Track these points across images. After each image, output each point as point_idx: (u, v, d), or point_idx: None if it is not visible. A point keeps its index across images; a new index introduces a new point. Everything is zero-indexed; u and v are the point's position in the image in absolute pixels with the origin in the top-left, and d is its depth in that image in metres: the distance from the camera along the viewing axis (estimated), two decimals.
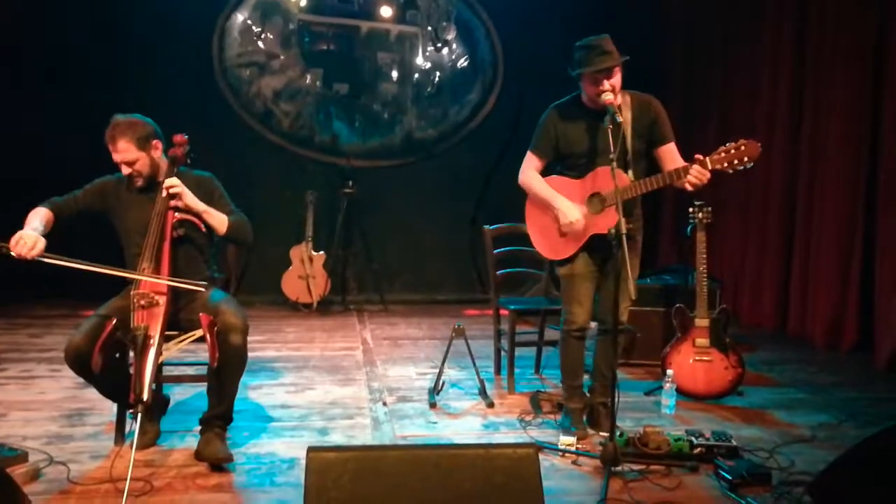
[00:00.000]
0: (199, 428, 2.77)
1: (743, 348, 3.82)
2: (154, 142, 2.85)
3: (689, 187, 2.79)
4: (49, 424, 3.11)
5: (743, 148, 2.71)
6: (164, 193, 2.76)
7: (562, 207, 2.94)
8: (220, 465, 2.67)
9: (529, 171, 3.08)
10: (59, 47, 5.73)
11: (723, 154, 2.74)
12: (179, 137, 2.94)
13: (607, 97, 2.79)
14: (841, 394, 3.82)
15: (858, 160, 4.65)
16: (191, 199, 2.78)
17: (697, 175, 2.75)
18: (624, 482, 2.60)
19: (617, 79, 2.84)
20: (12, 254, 2.56)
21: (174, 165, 2.90)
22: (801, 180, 5.07)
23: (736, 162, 2.72)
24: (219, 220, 2.83)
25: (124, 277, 2.73)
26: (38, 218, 2.73)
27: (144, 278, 2.64)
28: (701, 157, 2.76)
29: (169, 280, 2.66)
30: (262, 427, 3.16)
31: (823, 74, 4.86)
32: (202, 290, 2.68)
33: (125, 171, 2.81)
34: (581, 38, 2.88)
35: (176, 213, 2.77)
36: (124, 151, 2.77)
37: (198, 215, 2.80)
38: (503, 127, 6.57)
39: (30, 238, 2.59)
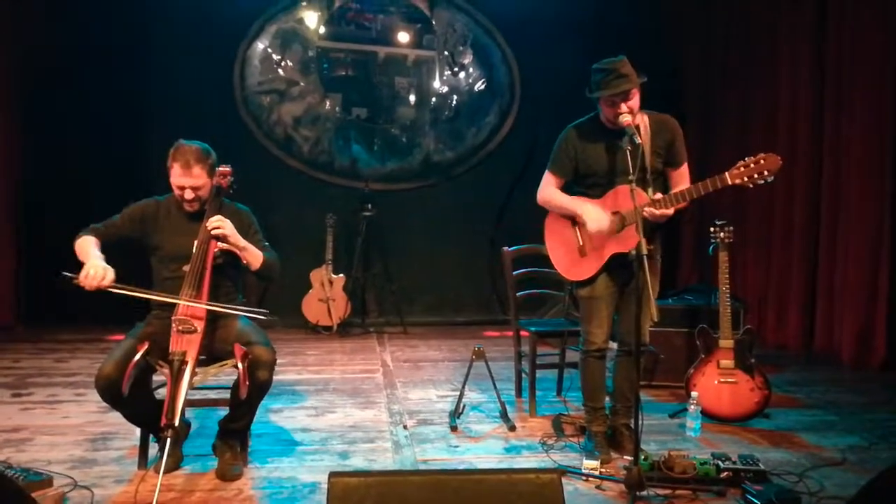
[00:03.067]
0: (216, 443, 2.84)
1: (768, 369, 3.76)
2: (217, 170, 2.91)
3: (651, 218, 2.80)
4: (74, 449, 3.14)
5: (763, 161, 2.70)
6: (211, 228, 2.77)
7: (586, 212, 2.93)
8: (232, 480, 2.76)
9: (548, 188, 3.08)
10: (80, 75, 5.86)
11: (742, 168, 2.73)
12: (225, 168, 2.99)
13: (625, 119, 2.80)
14: (871, 415, 3.74)
15: (882, 173, 4.61)
16: (233, 238, 2.81)
17: (650, 212, 2.75)
18: None
19: (635, 101, 2.84)
20: (81, 286, 2.59)
21: (219, 195, 2.95)
22: (824, 196, 5.02)
23: (756, 176, 2.70)
24: (255, 257, 2.87)
25: (186, 304, 2.70)
26: (94, 247, 2.75)
27: (206, 306, 2.67)
28: (660, 196, 2.79)
29: (236, 309, 2.72)
30: (284, 450, 3.16)
31: (844, 90, 4.83)
32: (263, 317, 2.72)
33: (188, 195, 2.82)
34: (598, 60, 2.90)
35: (218, 243, 2.80)
36: (198, 177, 2.81)
37: (237, 251, 2.83)
38: (521, 148, 6.60)
39: (99, 270, 2.61)
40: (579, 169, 3.02)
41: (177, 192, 2.84)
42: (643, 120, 2.94)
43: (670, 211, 2.80)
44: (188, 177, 2.79)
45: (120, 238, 2.87)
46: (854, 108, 4.74)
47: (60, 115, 5.88)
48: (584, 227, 2.96)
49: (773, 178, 2.70)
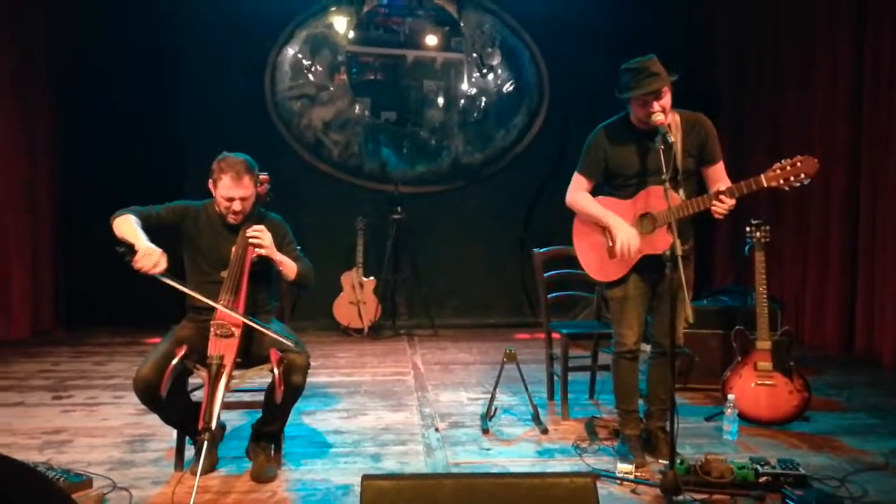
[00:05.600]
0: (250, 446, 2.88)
1: (807, 371, 3.67)
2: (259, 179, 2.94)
3: (716, 216, 2.77)
4: (112, 450, 3.20)
5: (799, 164, 2.65)
6: (250, 237, 2.78)
7: (617, 228, 2.90)
8: (266, 482, 2.79)
9: (578, 192, 3.05)
10: (115, 82, 5.98)
11: (778, 170, 2.68)
12: (263, 176, 3.01)
13: (658, 118, 2.76)
14: None
15: None
16: (269, 251, 2.80)
17: (718, 206, 2.74)
18: None
19: (667, 99, 2.80)
20: (134, 265, 2.55)
21: (257, 204, 2.98)
22: (863, 194, 4.89)
23: (792, 178, 2.66)
24: (290, 269, 2.89)
25: (215, 308, 2.72)
26: (141, 229, 2.66)
27: (243, 320, 2.68)
28: (723, 188, 2.76)
29: (267, 331, 2.71)
30: (317, 453, 3.18)
31: (884, 84, 4.70)
32: (290, 345, 2.71)
33: (237, 206, 2.82)
34: (626, 60, 2.86)
35: (256, 250, 2.81)
36: (247, 188, 2.83)
37: (274, 262, 2.85)
38: (550, 149, 6.56)
39: (155, 255, 2.56)
40: (609, 170, 2.99)
41: (224, 203, 2.84)
42: (675, 119, 2.90)
43: (732, 202, 2.75)
44: (239, 187, 2.80)
45: (159, 225, 2.84)
46: (894, 107, 4.61)
47: (96, 121, 6.02)
48: (614, 241, 2.93)
49: (809, 180, 2.66)
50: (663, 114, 2.77)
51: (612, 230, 2.92)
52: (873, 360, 4.75)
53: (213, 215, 2.94)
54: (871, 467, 2.95)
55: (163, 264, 2.58)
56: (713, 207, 2.77)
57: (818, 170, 2.67)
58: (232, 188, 2.81)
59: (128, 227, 2.69)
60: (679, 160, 2.83)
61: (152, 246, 2.61)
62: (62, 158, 5.99)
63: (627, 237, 2.87)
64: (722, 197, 2.75)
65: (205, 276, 2.89)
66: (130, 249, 2.58)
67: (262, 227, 2.85)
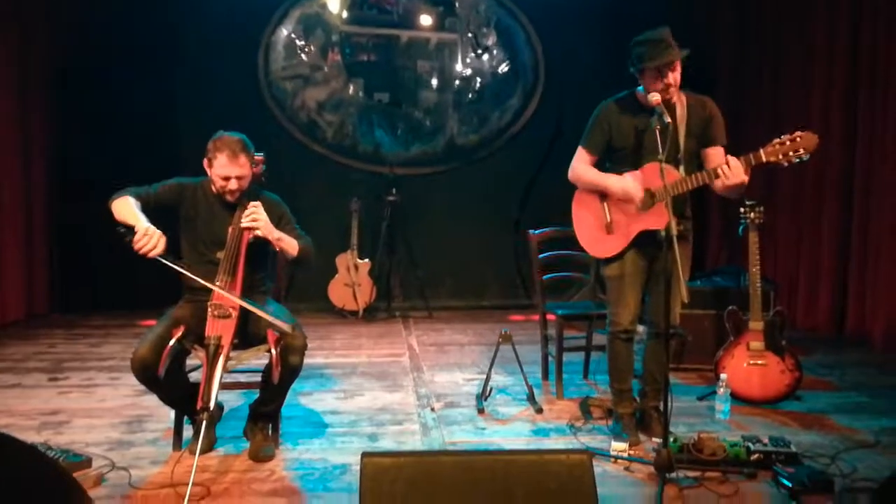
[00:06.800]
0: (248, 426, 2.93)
1: (799, 351, 3.71)
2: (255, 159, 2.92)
3: (718, 185, 2.73)
4: (110, 431, 3.21)
5: (799, 139, 2.63)
6: (246, 223, 2.76)
7: (620, 180, 2.90)
8: (264, 461, 2.83)
9: (580, 165, 3.04)
10: (108, 62, 5.91)
11: (777, 146, 2.66)
12: (259, 157, 2.99)
13: (654, 98, 2.75)
14: None
15: None
16: (266, 230, 2.78)
17: (724, 172, 2.68)
18: (679, 489, 2.56)
19: (678, 73, 2.79)
20: (135, 245, 2.53)
21: (253, 183, 2.96)
22: (857, 175, 4.91)
23: (791, 153, 2.64)
24: (290, 246, 2.87)
25: (213, 289, 2.70)
26: (140, 211, 2.66)
27: (240, 302, 2.66)
28: (733, 158, 2.69)
29: (265, 314, 2.67)
30: (314, 433, 3.21)
31: (879, 67, 4.71)
32: (287, 330, 2.68)
33: (233, 185, 2.81)
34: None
35: (252, 231, 2.80)
36: (243, 166, 2.82)
37: (272, 241, 2.83)
38: (545, 131, 6.54)
39: (154, 236, 2.55)
40: (612, 145, 2.98)
41: (220, 182, 2.83)
42: (681, 100, 2.90)
43: (745, 177, 2.69)
44: (235, 166, 2.79)
45: (157, 204, 2.83)
46: (889, 91, 4.62)
47: (90, 103, 5.95)
48: (613, 195, 2.91)
49: (808, 156, 2.64)
50: (674, 88, 2.77)
51: (611, 188, 2.91)
52: (864, 341, 4.80)
53: (209, 194, 2.93)
54: (861, 445, 3.00)
55: (161, 246, 2.57)
56: (721, 173, 2.70)
57: (818, 146, 2.64)
58: (228, 166, 2.79)
59: (126, 208, 2.68)
60: (681, 140, 2.83)
61: (152, 227, 2.60)
62: (56, 140, 5.93)
63: (627, 184, 2.86)
64: (725, 168, 2.69)
65: (201, 257, 2.89)
66: (130, 231, 2.58)
67: (257, 203, 2.83)
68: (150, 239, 2.55)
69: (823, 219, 5.19)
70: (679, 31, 2.87)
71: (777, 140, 2.67)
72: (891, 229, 4.63)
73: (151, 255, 2.56)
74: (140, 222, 2.61)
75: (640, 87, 2.89)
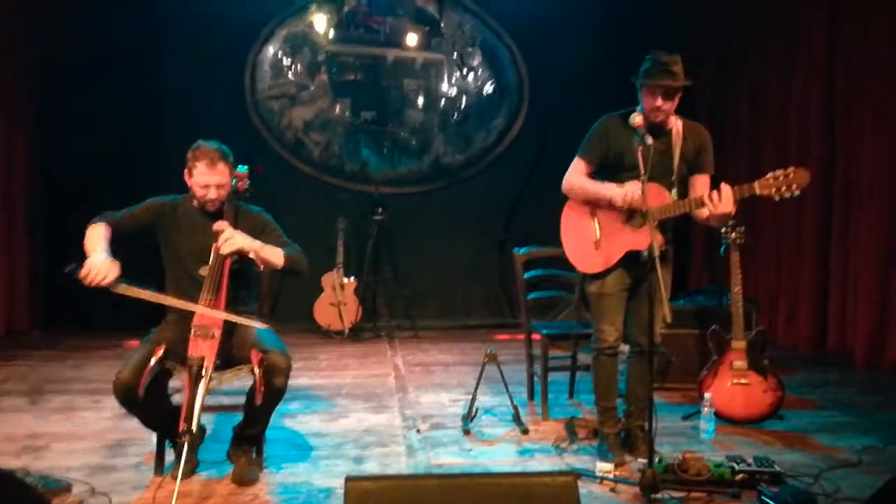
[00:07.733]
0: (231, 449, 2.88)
1: (781, 370, 3.74)
2: (235, 172, 2.92)
3: (703, 214, 2.77)
4: (91, 455, 3.16)
5: (792, 175, 2.70)
6: (223, 250, 2.73)
7: (613, 191, 2.90)
8: (248, 485, 2.78)
9: (576, 175, 3.06)
10: (94, 78, 5.90)
11: (771, 180, 2.72)
12: (243, 172, 3.00)
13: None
14: (885, 415, 3.72)
15: (895, 172, 4.57)
16: (246, 247, 2.74)
17: (713, 201, 2.73)
18: None
19: (673, 104, 2.84)
20: (83, 281, 2.51)
21: (235, 197, 2.96)
22: (837, 194, 4.99)
23: (784, 188, 2.71)
24: (276, 256, 2.83)
25: (193, 310, 2.68)
26: (103, 240, 2.66)
27: (228, 316, 2.65)
28: (727, 186, 2.74)
29: (253, 323, 2.68)
30: (298, 455, 3.18)
31: (856, 85, 4.81)
32: (264, 325, 2.69)
33: (212, 193, 2.81)
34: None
35: (230, 251, 2.77)
36: (222, 174, 2.81)
37: (255, 256, 2.79)
38: (530, 150, 6.60)
39: (102, 267, 2.52)
40: (609, 158, 3.00)
41: (200, 191, 2.82)
42: (677, 125, 2.95)
43: (730, 208, 2.73)
44: (214, 174, 2.79)
45: (135, 228, 2.83)
46: (866, 108, 4.72)
47: (75, 118, 5.92)
48: (612, 201, 2.90)
49: (799, 192, 2.70)
50: (665, 115, 2.81)
51: (610, 194, 2.91)
52: (846, 359, 4.85)
53: (189, 209, 2.92)
54: (844, 464, 3.03)
55: (112, 274, 2.53)
56: (707, 204, 2.75)
57: (809, 182, 2.70)
58: (207, 174, 2.79)
59: (92, 239, 2.67)
60: (674, 163, 2.88)
61: (101, 257, 2.56)
62: (39, 157, 5.88)
63: (629, 186, 2.85)
64: (713, 197, 2.74)
65: (184, 273, 2.87)
66: (77, 266, 2.54)
67: (222, 222, 2.79)
68: (96, 271, 2.52)
69: (803, 238, 5.26)
70: (663, 49, 2.91)
71: (772, 174, 2.73)
72: (870, 247, 4.70)
73: (104, 284, 2.53)
74: (94, 253, 2.58)
75: (640, 107, 2.94)
